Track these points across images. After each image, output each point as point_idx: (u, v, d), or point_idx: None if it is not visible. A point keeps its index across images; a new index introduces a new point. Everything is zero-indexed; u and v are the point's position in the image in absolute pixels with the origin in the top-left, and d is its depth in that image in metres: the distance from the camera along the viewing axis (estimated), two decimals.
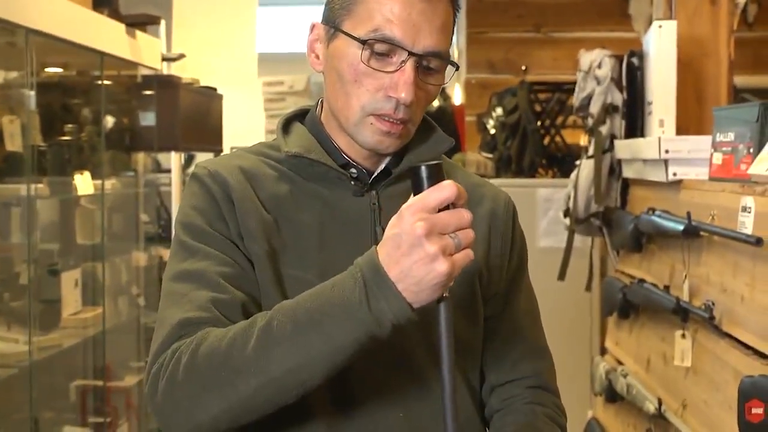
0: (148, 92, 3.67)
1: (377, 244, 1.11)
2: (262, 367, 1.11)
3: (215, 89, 4.16)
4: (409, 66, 1.22)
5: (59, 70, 3.39)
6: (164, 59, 3.78)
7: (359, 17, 1.24)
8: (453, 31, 1.29)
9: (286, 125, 1.37)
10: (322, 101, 1.37)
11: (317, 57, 1.32)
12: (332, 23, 1.28)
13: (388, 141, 1.27)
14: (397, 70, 1.23)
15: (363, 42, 1.22)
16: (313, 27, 1.32)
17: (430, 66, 1.25)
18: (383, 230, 1.11)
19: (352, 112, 1.26)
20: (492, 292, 1.38)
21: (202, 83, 4.07)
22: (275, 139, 1.37)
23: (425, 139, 1.36)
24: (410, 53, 1.22)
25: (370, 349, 1.12)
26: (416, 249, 1.06)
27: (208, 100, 4.07)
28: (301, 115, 1.39)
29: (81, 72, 3.45)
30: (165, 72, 3.79)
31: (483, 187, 1.42)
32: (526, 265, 1.45)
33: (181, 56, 3.84)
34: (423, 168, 1.09)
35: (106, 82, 3.34)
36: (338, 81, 1.27)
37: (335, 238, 1.28)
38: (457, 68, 1.29)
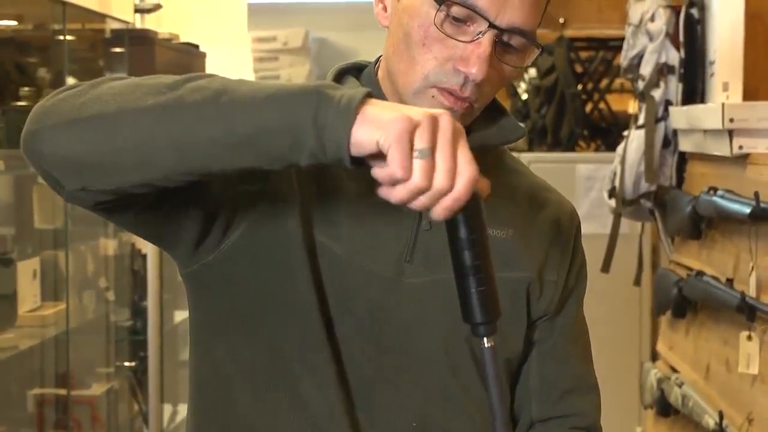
0: (118, 49, 3.65)
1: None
2: (147, 124, 1.10)
3: (197, 46, 4.15)
4: (487, 40, 1.22)
5: (13, 23, 3.38)
6: (137, 10, 3.78)
7: None
8: (545, 8, 1.29)
9: (339, 77, 1.38)
10: (381, 58, 1.39)
11: (384, 9, 1.33)
12: None
13: None
14: (472, 42, 1.23)
15: (440, 2, 1.23)
16: None
17: (510, 43, 1.25)
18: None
19: (414, 79, 1.27)
20: (541, 311, 1.41)
21: (182, 39, 4.06)
22: None
23: (492, 122, 1.36)
24: (491, 25, 1.22)
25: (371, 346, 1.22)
26: (405, 111, 1.04)
27: (189, 58, 4.06)
28: (356, 70, 1.41)
29: (39, 25, 3.44)
30: (138, 25, 3.78)
31: (548, 192, 1.45)
32: (584, 292, 1.47)
33: (158, 7, 3.84)
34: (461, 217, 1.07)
35: (68, 37, 3.33)
36: (404, 41, 1.27)
37: (374, 211, 1.29)
38: (542, 51, 1.29)
